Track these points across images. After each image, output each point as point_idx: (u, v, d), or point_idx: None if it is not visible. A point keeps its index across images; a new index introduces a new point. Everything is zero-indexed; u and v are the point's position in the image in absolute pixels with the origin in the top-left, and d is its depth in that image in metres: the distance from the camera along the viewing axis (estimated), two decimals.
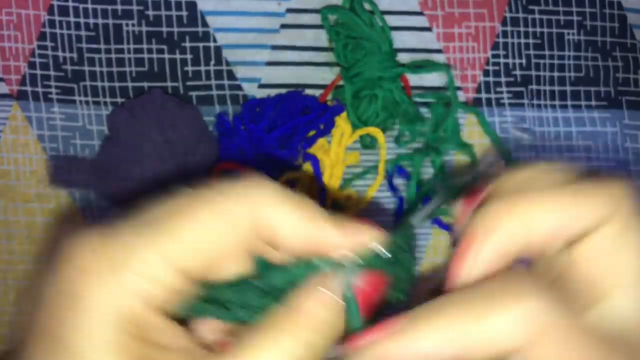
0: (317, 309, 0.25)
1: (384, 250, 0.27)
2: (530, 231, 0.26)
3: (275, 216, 0.26)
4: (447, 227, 0.56)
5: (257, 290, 0.27)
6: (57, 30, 0.55)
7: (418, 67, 0.57)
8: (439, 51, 0.58)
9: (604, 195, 0.25)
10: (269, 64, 0.57)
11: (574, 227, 0.26)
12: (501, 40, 0.59)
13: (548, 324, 0.24)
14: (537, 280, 0.26)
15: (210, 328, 0.28)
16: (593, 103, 0.59)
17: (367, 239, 0.27)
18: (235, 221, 0.25)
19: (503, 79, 0.58)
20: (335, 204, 0.56)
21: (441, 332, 0.24)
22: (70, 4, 0.55)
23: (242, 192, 0.25)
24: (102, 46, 0.55)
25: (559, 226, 0.26)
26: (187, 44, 0.56)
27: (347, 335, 0.27)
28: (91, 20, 0.55)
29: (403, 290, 0.28)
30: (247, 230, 0.25)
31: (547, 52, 0.59)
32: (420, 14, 0.58)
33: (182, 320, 0.27)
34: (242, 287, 0.27)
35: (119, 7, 0.55)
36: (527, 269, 0.27)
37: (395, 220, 0.56)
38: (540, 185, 0.27)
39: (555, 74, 0.59)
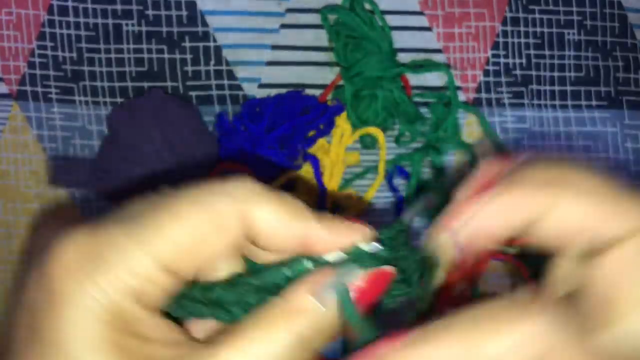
0: (309, 303, 0.25)
1: (373, 246, 0.27)
2: (547, 216, 0.26)
3: (262, 216, 0.26)
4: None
5: (250, 288, 0.26)
6: (57, 30, 0.55)
7: (418, 67, 0.57)
8: (439, 51, 0.58)
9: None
10: (269, 64, 0.56)
11: (602, 231, 0.25)
12: (501, 40, 0.59)
13: (554, 345, 0.24)
14: (543, 299, 0.25)
15: (204, 327, 0.28)
16: (593, 103, 0.59)
17: (356, 236, 0.27)
18: (222, 221, 0.25)
19: (503, 79, 0.58)
20: (335, 203, 0.56)
21: (449, 348, 0.24)
22: (70, 3, 0.55)
23: (230, 191, 0.25)
24: (102, 46, 0.55)
25: (588, 225, 0.25)
26: (187, 44, 0.56)
27: (347, 332, 0.27)
28: (91, 20, 0.55)
29: (411, 286, 0.28)
30: (235, 230, 0.25)
31: (547, 52, 0.59)
32: (420, 13, 0.58)
33: (178, 321, 0.27)
34: (235, 286, 0.27)
35: (119, 7, 0.55)
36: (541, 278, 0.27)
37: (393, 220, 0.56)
38: (579, 180, 0.26)
39: (556, 73, 0.59)
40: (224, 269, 0.28)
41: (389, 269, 0.27)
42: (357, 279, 0.26)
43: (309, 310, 0.25)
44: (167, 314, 0.27)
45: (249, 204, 0.25)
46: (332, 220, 0.27)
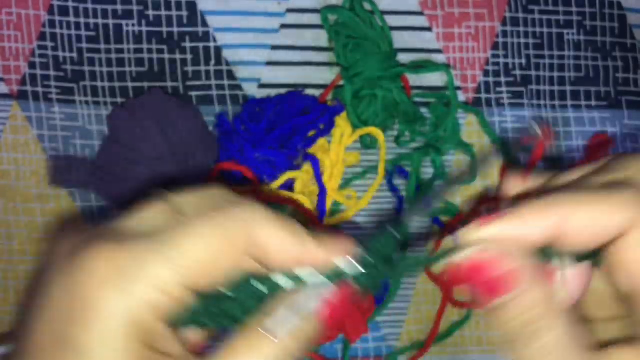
0: (280, 329, 0.28)
1: (349, 263, 0.30)
2: (566, 225, 0.27)
3: (266, 235, 0.28)
4: (442, 225, 0.56)
5: (238, 302, 0.29)
6: (57, 30, 0.55)
7: (418, 67, 0.57)
8: (439, 51, 0.58)
9: (629, 200, 0.26)
10: (269, 64, 0.57)
11: (607, 227, 0.27)
12: (501, 40, 0.59)
13: None
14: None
15: (193, 334, 0.30)
16: (593, 103, 0.59)
17: (343, 252, 0.30)
18: (232, 239, 0.27)
19: (503, 79, 0.59)
20: (335, 203, 0.56)
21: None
22: (71, 4, 0.55)
23: (239, 213, 0.28)
24: (102, 46, 0.55)
25: (592, 225, 0.27)
26: (187, 44, 0.56)
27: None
28: (91, 20, 0.55)
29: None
30: (242, 247, 0.28)
31: (547, 52, 0.59)
32: (420, 14, 0.58)
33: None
34: (229, 299, 0.29)
35: (119, 7, 0.55)
36: None
37: (394, 221, 0.56)
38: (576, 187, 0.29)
39: (555, 74, 0.59)
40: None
41: (347, 288, 0.30)
42: (329, 295, 0.29)
43: (267, 342, 0.28)
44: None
45: (256, 227, 0.28)
46: (323, 239, 0.30)
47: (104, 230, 0.27)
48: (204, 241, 0.27)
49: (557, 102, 0.59)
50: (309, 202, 0.54)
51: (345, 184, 0.56)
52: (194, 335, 0.30)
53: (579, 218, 0.26)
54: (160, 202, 0.29)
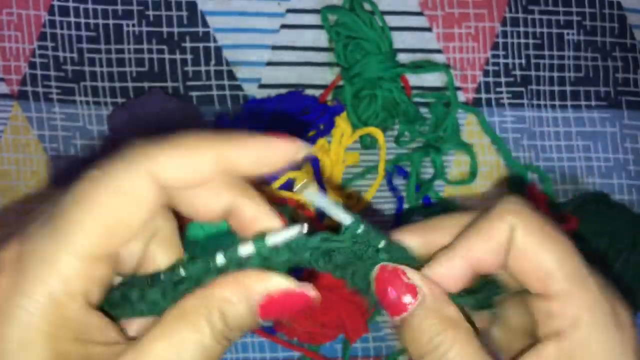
0: (225, 295, 0.26)
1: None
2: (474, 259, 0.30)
3: (167, 165, 0.25)
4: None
5: (176, 283, 0.27)
6: (58, 31, 0.55)
7: (418, 67, 0.57)
8: (438, 51, 0.58)
9: (500, 216, 0.29)
10: (269, 64, 0.57)
11: (496, 247, 0.29)
12: (501, 40, 0.59)
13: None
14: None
15: (139, 322, 0.28)
16: (593, 103, 0.59)
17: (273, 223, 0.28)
18: (136, 196, 0.25)
19: (503, 79, 0.59)
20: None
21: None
22: (71, 4, 0.55)
23: (137, 163, 0.25)
24: (103, 46, 0.55)
25: (489, 252, 0.29)
26: (187, 44, 0.56)
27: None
28: (91, 21, 0.55)
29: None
30: (150, 195, 0.25)
31: (546, 52, 0.59)
32: (420, 14, 0.58)
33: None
34: (164, 283, 0.27)
35: (119, 7, 0.55)
36: None
37: (395, 221, 0.57)
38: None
39: (555, 74, 0.59)
40: (162, 259, 0.28)
41: (309, 293, 0.27)
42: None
43: (225, 303, 0.26)
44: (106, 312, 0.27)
45: (162, 170, 0.25)
46: (262, 198, 0.27)
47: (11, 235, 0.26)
48: (100, 209, 0.25)
49: (557, 102, 0.59)
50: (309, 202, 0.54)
51: (345, 184, 0.56)
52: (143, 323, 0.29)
53: (478, 250, 0.29)
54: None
